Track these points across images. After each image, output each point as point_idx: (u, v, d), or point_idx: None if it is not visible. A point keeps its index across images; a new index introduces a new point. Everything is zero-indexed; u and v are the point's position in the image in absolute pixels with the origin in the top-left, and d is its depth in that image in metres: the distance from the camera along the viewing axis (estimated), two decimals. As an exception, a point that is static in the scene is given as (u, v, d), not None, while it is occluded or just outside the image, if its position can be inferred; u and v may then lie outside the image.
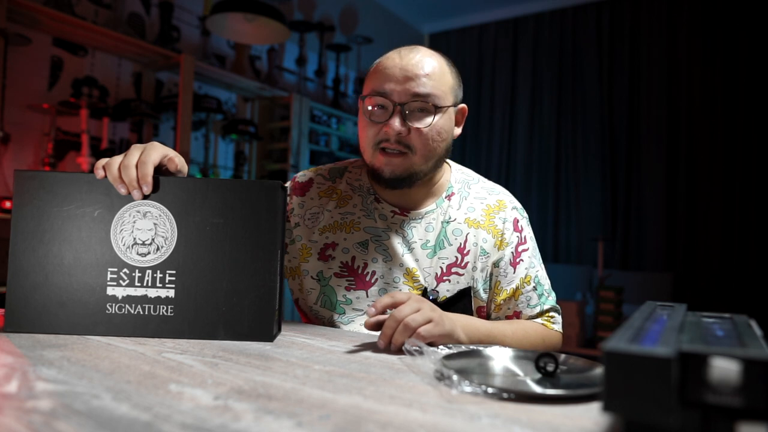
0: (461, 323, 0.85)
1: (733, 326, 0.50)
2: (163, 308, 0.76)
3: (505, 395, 0.52)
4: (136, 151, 0.77)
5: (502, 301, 1.03)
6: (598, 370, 0.61)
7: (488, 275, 1.02)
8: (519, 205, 1.09)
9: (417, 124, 0.94)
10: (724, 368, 0.34)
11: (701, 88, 4.14)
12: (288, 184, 1.11)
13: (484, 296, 1.02)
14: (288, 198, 1.08)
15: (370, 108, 0.96)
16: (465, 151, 5.12)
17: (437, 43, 5.40)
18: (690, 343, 0.38)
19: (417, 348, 0.69)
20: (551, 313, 1.06)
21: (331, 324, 1.03)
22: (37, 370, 0.56)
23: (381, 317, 0.78)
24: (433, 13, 5.14)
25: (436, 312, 0.79)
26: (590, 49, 4.60)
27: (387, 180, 0.97)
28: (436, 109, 0.94)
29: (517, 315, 1.04)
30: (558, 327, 1.06)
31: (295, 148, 3.55)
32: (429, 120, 0.94)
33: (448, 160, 1.09)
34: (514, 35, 4.99)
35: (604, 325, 3.20)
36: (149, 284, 0.76)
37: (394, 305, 0.78)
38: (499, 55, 5.06)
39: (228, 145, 3.51)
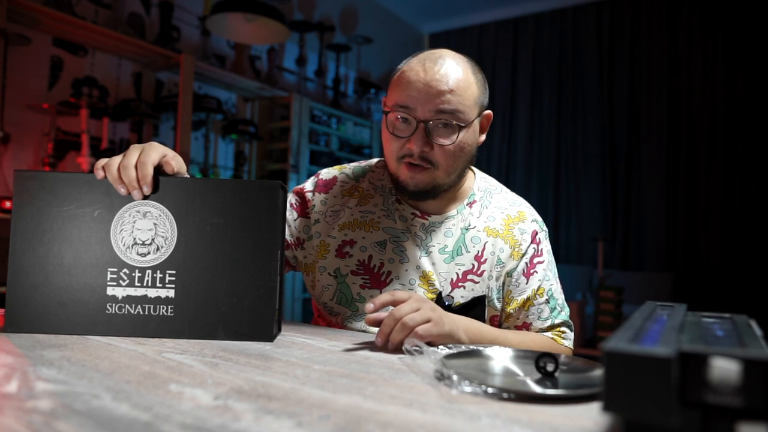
0: (464, 325, 0.85)
1: (733, 326, 0.50)
2: (163, 308, 0.76)
3: (505, 395, 0.52)
4: (135, 151, 0.77)
5: (512, 311, 1.02)
6: (598, 370, 0.61)
7: (502, 284, 1.01)
8: (540, 219, 1.08)
9: (441, 141, 0.93)
10: (724, 368, 0.34)
11: (701, 88, 4.14)
12: (312, 180, 1.12)
13: (498, 305, 1.01)
14: (310, 194, 1.09)
15: (393, 121, 0.95)
16: (465, 151, 5.12)
17: (437, 43, 5.39)
18: (690, 343, 0.38)
19: (417, 348, 0.69)
20: (563, 328, 1.04)
21: (344, 320, 1.02)
22: (37, 370, 0.56)
23: (382, 314, 0.78)
24: (433, 13, 5.14)
25: (436, 312, 0.79)
26: (590, 49, 4.60)
27: (411, 193, 0.98)
28: (461, 127, 0.93)
29: (527, 327, 1.03)
30: (569, 343, 1.04)
31: (295, 148, 3.54)
32: (453, 137, 0.93)
33: (472, 167, 1.08)
34: (514, 35, 4.99)
35: (604, 325, 3.20)
36: (149, 284, 0.76)
37: (394, 303, 0.78)
38: (499, 55, 5.06)
39: (228, 145, 3.51)
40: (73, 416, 0.43)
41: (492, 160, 5.00)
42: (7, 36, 2.27)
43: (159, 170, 0.78)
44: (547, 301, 1.02)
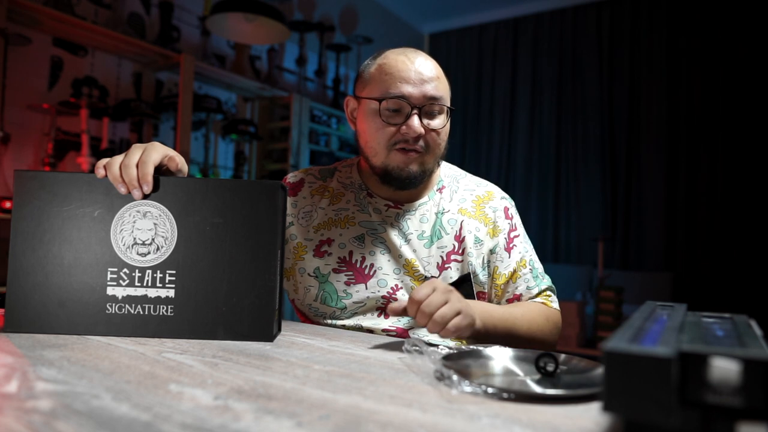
0: (478, 311, 0.86)
1: (733, 326, 0.50)
2: (163, 308, 0.76)
3: (505, 395, 0.52)
4: (137, 150, 0.77)
5: (501, 285, 1.06)
6: (598, 370, 0.61)
7: (485, 262, 1.05)
8: (507, 195, 1.14)
9: (433, 125, 0.99)
10: (724, 368, 0.34)
11: (701, 88, 4.13)
12: None
13: (484, 280, 1.05)
14: None
15: (385, 110, 0.98)
16: (465, 151, 5.12)
17: (437, 43, 5.39)
18: (690, 343, 0.38)
19: (417, 348, 0.69)
20: (548, 293, 1.09)
21: (333, 319, 1.03)
22: (37, 370, 0.56)
23: (402, 303, 0.76)
24: (433, 13, 5.14)
25: (462, 301, 0.79)
26: (590, 49, 4.60)
27: (404, 180, 1.00)
28: (449, 110, 1.00)
29: (518, 298, 1.07)
30: (556, 305, 1.09)
31: (295, 148, 3.54)
32: (441, 121, 1.00)
33: None
34: (514, 35, 4.99)
35: (604, 325, 3.20)
36: (149, 284, 0.76)
37: (419, 300, 0.75)
38: (499, 55, 5.05)
39: (228, 145, 3.51)
40: (73, 416, 0.43)
41: (492, 160, 5.00)
42: (7, 36, 2.27)
43: (160, 170, 0.79)
44: (531, 271, 1.08)
